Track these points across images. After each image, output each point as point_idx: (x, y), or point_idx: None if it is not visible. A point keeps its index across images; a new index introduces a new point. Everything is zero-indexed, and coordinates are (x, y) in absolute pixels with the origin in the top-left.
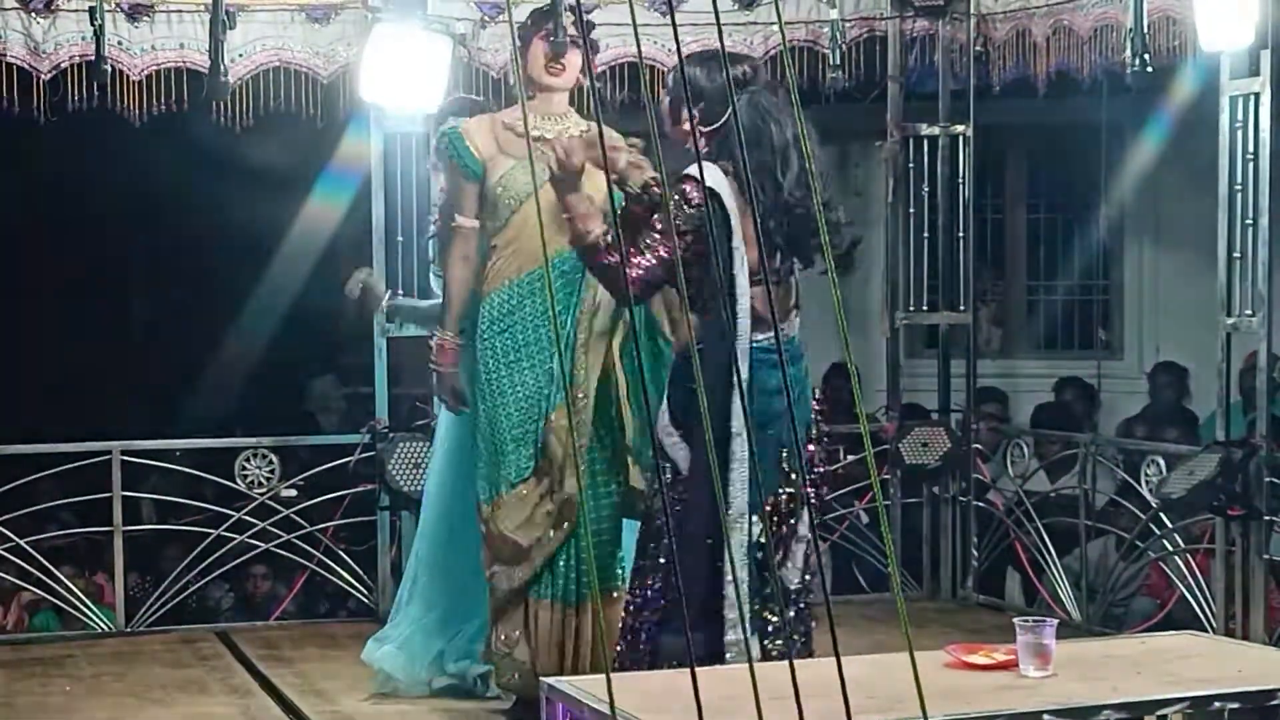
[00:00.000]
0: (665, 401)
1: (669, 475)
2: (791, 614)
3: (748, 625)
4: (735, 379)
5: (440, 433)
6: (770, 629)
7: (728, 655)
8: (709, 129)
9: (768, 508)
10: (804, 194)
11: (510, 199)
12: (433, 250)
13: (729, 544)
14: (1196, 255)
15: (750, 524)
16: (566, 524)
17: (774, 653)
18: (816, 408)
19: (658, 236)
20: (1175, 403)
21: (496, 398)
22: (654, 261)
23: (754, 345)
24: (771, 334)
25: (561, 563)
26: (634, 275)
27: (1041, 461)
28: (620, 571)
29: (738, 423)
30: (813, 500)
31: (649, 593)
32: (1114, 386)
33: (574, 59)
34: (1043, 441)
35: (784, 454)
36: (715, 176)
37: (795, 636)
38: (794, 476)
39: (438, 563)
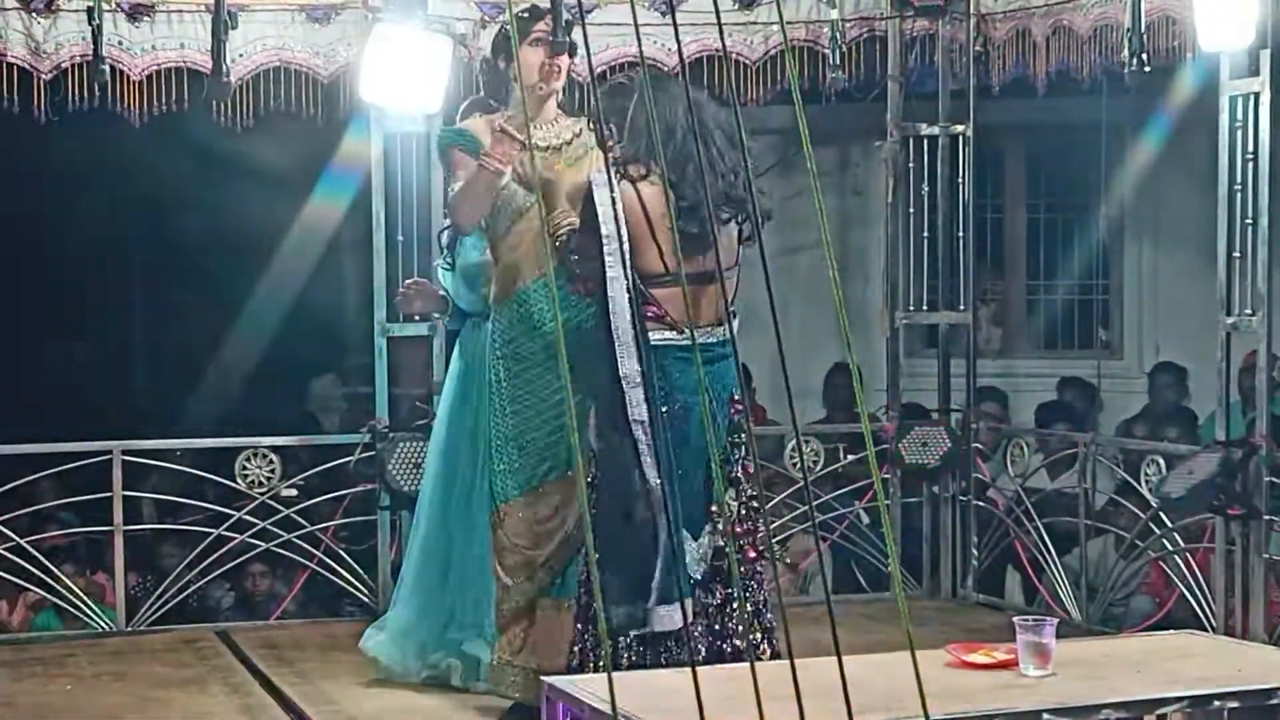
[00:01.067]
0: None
1: (594, 463)
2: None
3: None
4: (621, 371)
5: (436, 430)
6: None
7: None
8: (619, 141)
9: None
10: (695, 174)
11: (511, 211)
12: (445, 239)
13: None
14: (1196, 255)
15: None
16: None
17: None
18: (737, 409)
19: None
20: (1175, 403)
21: (506, 405)
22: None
23: (662, 344)
24: (677, 334)
25: (575, 565)
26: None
27: (1041, 461)
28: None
29: (637, 411)
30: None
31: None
32: (1114, 386)
33: (563, 61)
34: (1043, 441)
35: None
36: (602, 183)
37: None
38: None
39: (427, 556)
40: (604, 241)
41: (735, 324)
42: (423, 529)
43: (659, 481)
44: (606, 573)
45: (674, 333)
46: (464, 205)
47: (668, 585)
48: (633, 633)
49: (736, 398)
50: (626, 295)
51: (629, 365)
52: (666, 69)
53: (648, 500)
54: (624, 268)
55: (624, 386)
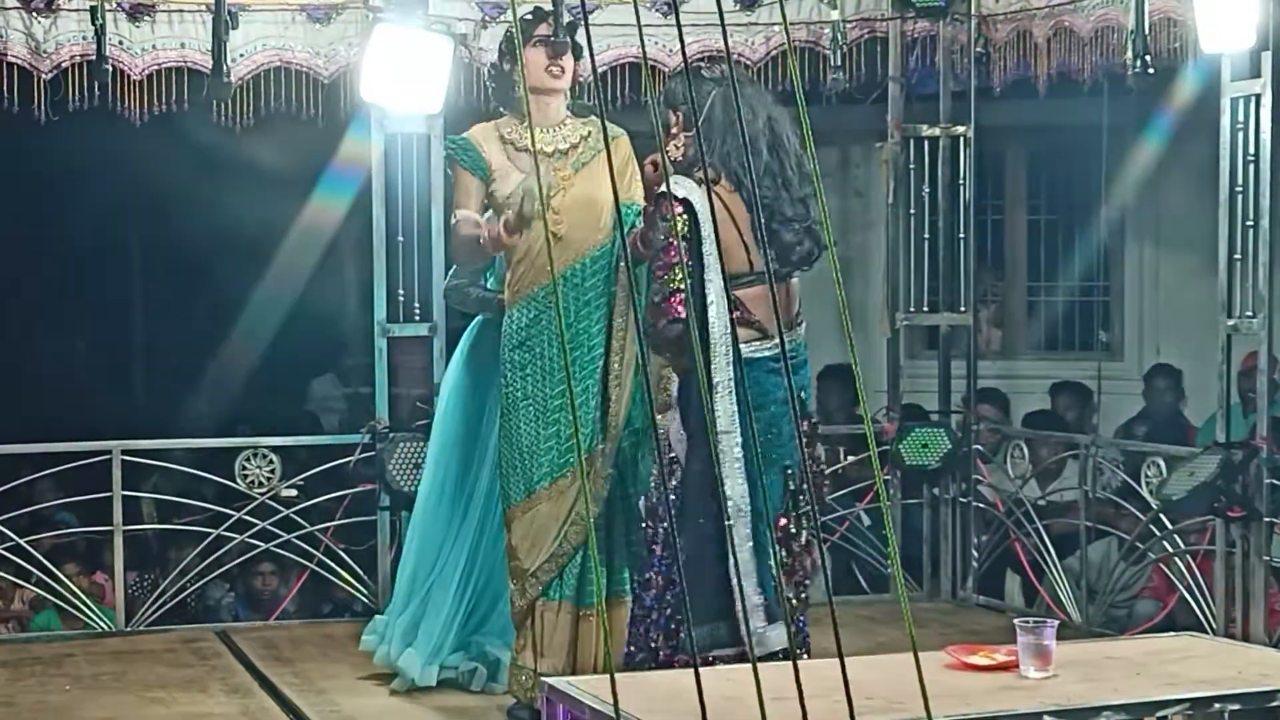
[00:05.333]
0: (677, 406)
1: (677, 477)
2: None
3: (762, 614)
4: (710, 383)
5: (435, 431)
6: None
7: (756, 644)
8: (690, 133)
9: (781, 523)
10: (772, 188)
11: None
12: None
13: (731, 538)
14: (1197, 257)
15: (755, 521)
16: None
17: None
18: (807, 425)
19: (661, 273)
20: (1171, 405)
21: (513, 411)
22: (672, 312)
23: (756, 356)
24: (773, 342)
25: (573, 566)
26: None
27: (1041, 463)
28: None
29: (723, 422)
30: (814, 505)
31: (654, 591)
32: (1114, 388)
33: (569, 62)
34: (1042, 443)
35: (789, 472)
36: (686, 187)
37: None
38: (796, 491)
39: (434, 559)
40: (704, 253)
41: (804, 329)
42: (425, 527)
43: (744, 495)
44: (689, 587)
45: (758, 334)
46: (460, 253)
47: (772, 605)
48: (718, 652)
49: (811, 409)
50: (724, 300)
51: (723, 373)
52: (750, 64)
53: (724, 514)
54: (719, 273)
55: (714, 395)
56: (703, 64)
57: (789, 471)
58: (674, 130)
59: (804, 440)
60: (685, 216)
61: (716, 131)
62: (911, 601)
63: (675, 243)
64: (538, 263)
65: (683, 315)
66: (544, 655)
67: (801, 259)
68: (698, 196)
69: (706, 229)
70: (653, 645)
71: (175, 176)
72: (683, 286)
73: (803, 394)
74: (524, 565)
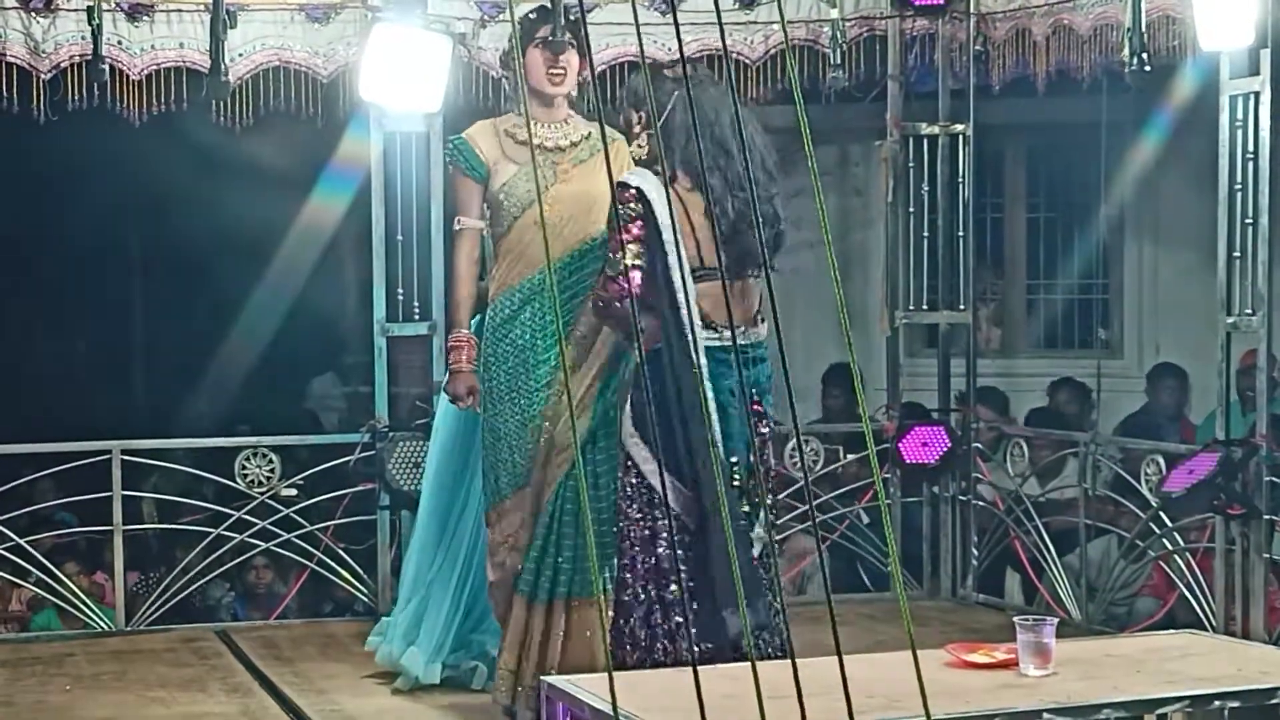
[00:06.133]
0: (629, 405)
1: (634, 478)
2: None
3: (745, 608)
4: (696, 378)
5: (437, 428)
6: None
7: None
8: (651, 131)
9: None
10: (722, 187)
11: (512, 206)
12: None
13: (729, 532)
14: (1196, 254)
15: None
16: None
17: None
18: (764, 422)
19: (614, 257)
20: (1177, 406)
21: (497, 405)
22: (624, 289)
23: (707, 346)
24: (721, 335)
25: (534, 559)
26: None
27: (1040, 461)
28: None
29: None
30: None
31: (637, 589)
32: (1114, 386)
33: (573, 61)
34: (1042, 441)
35: (734, 465)
36: (647, 181)
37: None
38: (741, 484)
39: (434, 558)
40: (664, 242)
41: (765, 328)
42: (426, 526)
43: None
44: (728, 589)
45: (712, 332)
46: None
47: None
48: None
49: (757, 402)
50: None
51: (700, 359)
52: (749, 62)
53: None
54: (685, 263)
55: (702, 380)
56: (667, 70)
57: (734, 465)
58: (636, 130)
59: (756, 440)
60: (638, 205)
61: (678, 132)
62: (912, 600)
63: (627, 224)
64: (528, 254)
65: (625, 293)
66: (508, 649)
67: (770, 251)
68: (652, 187)
69: (664, 219)
70: (634, 643)
71: (175, 176)
72: (632, 264)
73: (756, 392)
74: (498, 560)
